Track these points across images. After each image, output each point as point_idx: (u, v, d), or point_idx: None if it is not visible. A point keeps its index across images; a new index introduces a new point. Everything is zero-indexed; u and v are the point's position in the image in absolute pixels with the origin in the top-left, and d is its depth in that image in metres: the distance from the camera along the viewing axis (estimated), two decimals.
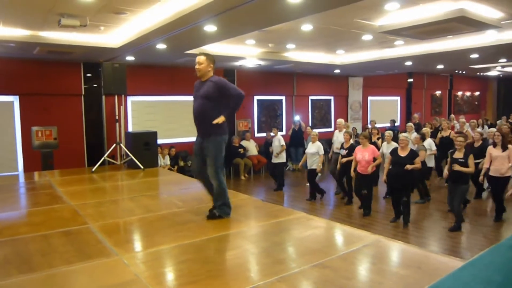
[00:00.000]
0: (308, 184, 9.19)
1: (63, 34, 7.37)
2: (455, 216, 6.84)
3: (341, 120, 10.22)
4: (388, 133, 8.94)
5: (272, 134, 10.77)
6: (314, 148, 8.73)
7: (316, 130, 9.87)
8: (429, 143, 8.92)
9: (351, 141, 8.55)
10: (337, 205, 8.71)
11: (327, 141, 11.88)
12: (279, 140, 10.05)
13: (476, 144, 8.24)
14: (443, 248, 6.08)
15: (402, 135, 7.31)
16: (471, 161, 6.55)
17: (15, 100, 9.57)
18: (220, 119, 4.05)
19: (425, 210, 8.14)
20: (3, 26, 6.75)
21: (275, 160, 10.04)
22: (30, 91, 9.56)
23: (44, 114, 9.70)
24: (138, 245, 3.69)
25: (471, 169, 6.54)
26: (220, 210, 4.24)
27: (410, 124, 10.55)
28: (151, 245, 3.51)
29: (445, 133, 10.22)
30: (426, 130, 9.52)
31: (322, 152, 8.72)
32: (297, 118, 13.31)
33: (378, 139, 10.10)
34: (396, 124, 13.14)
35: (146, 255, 3.29)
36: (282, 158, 10.04)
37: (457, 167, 6.48)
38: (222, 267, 3.08)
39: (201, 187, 4.54)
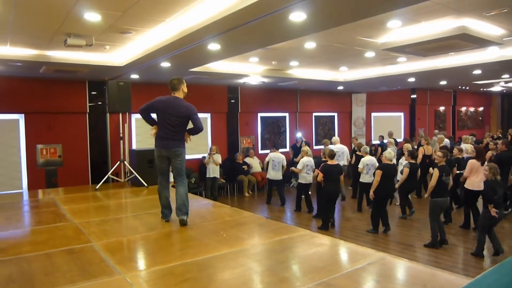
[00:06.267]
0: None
1: (69, 53, 7.48)
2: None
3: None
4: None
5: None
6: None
7: (319, 147, 10.12)
8: None
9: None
10: (340, 223, 8.65)
11: None
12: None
13: None
14: (448, 266, 6.01)
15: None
16: None
17: (20, 118, 9.65)
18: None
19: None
20: (11, 46, 6.86)
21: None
22: (36, 109, 9.65)
23: (49, 132, 9.78)
24: (141, 263, 3.67)
25: None
26: None
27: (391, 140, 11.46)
28: (155, 263, 3.49)
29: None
30: (408, 146, 9.42)
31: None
32: (299, 135, 13.36)
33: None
34: (384, 141, 13.22)
35: (149, 274, 3.27)
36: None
37: None
38: (225, 286, 3.05)
39: (203, 205, 4.54)
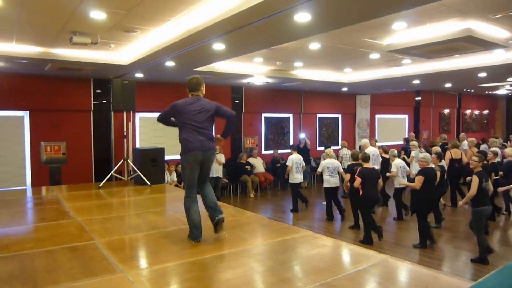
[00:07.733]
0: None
1: (74, 51, 7.51)
2: None
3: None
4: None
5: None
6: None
7: (322, 149, 9.99)
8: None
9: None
10: (344, 224, 8.63)
11: None
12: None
13: None
14: (452, 269, 5.98)
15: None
16: None
17: (25, 115, 9.71)
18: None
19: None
20: (16, 43, 6.89)
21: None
22: (40, 107, 9.70)
23: (53, 129, 9.82)
24: (143, 262, 3.67)
25: None
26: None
27: (414, 142, 10.92)
28: (157, 262, 3.49)
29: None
30: (437, 149, 9.23)
31: None
32: (302, 136, 13.34)
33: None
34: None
35: (151, 272, 3.27)
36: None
37: None
38: (227, 286, 3.05)
39: None
